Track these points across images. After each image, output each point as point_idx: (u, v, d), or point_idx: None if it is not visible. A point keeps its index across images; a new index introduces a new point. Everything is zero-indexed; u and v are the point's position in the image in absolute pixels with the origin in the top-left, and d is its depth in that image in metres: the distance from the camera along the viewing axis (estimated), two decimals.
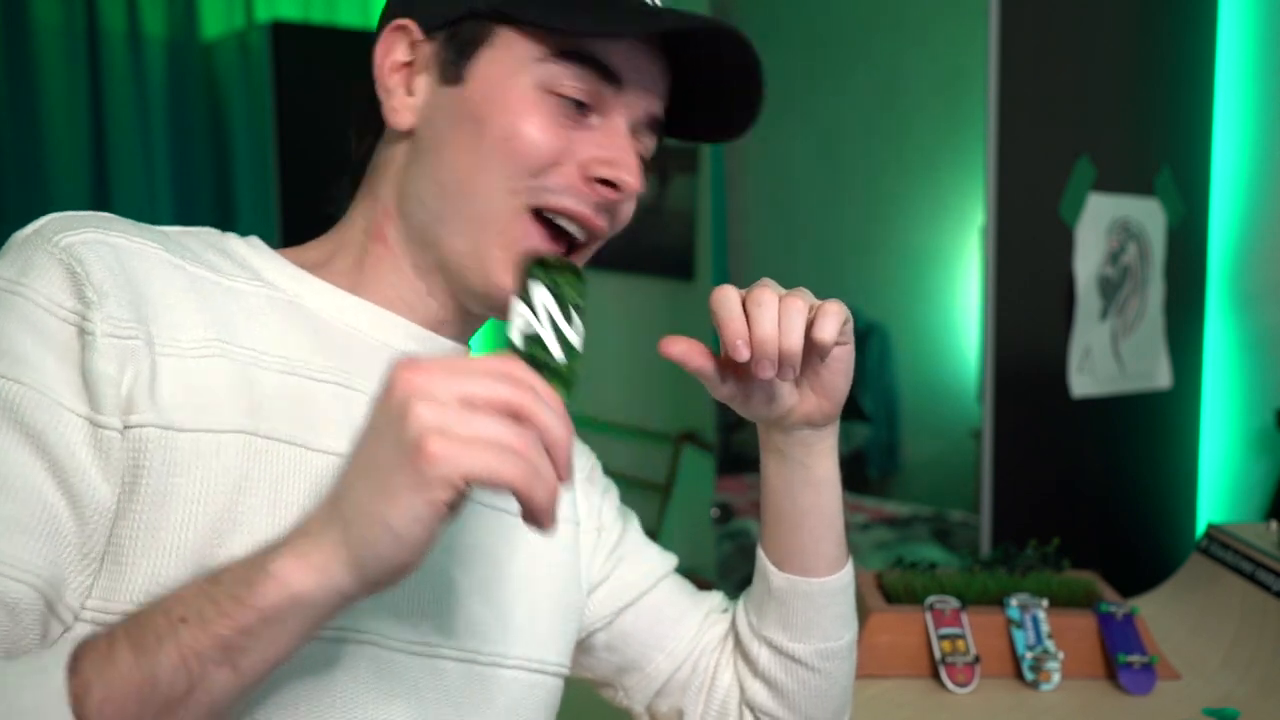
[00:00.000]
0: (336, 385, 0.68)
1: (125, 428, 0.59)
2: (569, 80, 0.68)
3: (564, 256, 0.69)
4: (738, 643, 0.87)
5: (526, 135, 0.67)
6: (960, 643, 1.15)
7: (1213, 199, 2.13)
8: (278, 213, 3.06)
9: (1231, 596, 1.23)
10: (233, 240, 0.73)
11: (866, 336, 2.08)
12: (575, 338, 0.63)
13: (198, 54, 3.32)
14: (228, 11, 3.39)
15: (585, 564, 0.83)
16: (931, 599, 1.19)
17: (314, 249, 0.76)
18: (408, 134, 0.71)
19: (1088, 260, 1.87)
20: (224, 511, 0.61)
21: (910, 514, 2.12)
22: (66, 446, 0.58)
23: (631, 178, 0.69)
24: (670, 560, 0.91)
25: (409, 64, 0.71)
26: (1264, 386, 2.13)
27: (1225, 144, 2.15)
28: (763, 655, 0.84)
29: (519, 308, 0.63)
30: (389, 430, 0.51)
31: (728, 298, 0.68)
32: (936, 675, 1.15)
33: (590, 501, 0.86)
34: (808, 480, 0.80)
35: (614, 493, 0.90)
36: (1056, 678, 1.13)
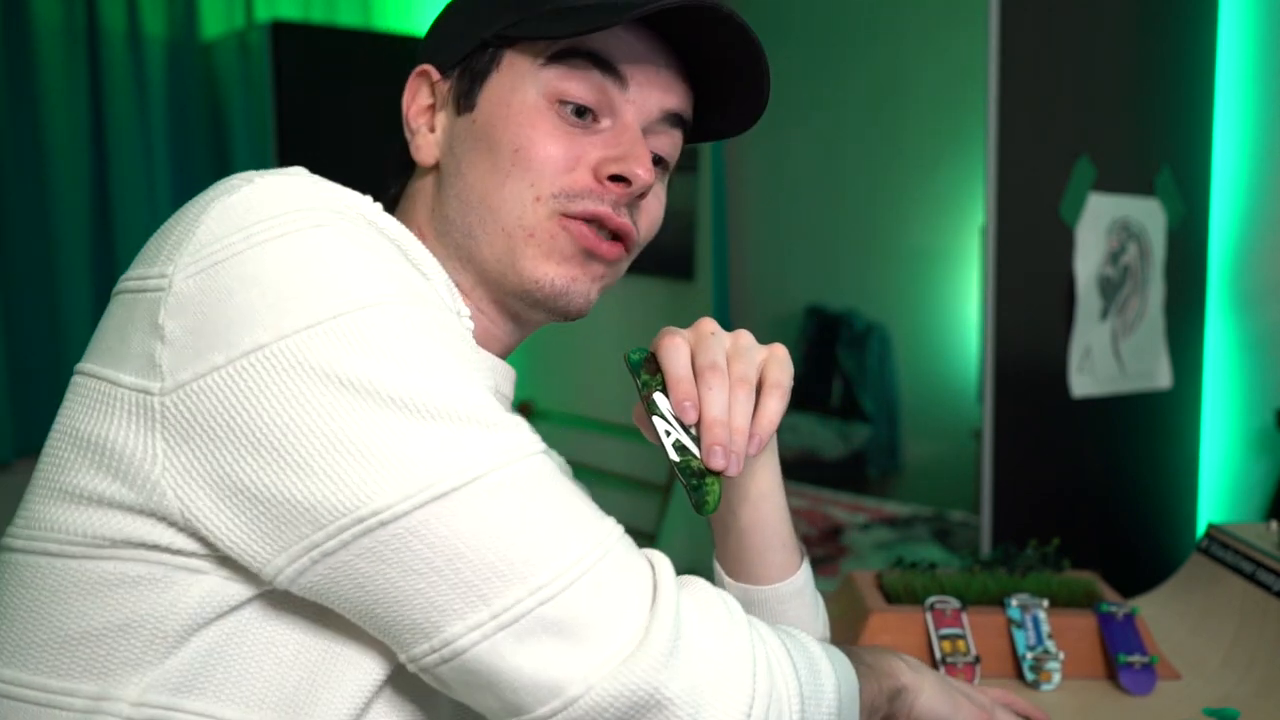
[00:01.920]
0: None
1: None
2: (570, 83, 0.70)
3: (648, 354, 0.73)
4: None
5: (536, 143, 0.70)
6: (961, 643, 1.15)
7: (1213, 199, 2.13)
8: None
9: (1231, 596, 1.23)
10: None
11: (866, 336, 2.08)
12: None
13: (198, 54, 3.31)
14: (228, 11, 3.39)
15: None
16: (932, 599, 1.18)
17: None
18: (434, 168, 0.76)
19: (1088, 260, 1.87)
20: None
21: (910, 514, 2.12)
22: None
23: (641, 169, 0.70)
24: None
25: (431, 105, 0.76)
26: (1264, 386, 2.13)
27: (1225, 144, 2.15)
28: None
29: (659, 425, 0.68)
30: None
31: (681, 377, 0.69)
32: None
33: None
34: (744, 497, 0.79)
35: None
36: (1057, 678, 1.13)
